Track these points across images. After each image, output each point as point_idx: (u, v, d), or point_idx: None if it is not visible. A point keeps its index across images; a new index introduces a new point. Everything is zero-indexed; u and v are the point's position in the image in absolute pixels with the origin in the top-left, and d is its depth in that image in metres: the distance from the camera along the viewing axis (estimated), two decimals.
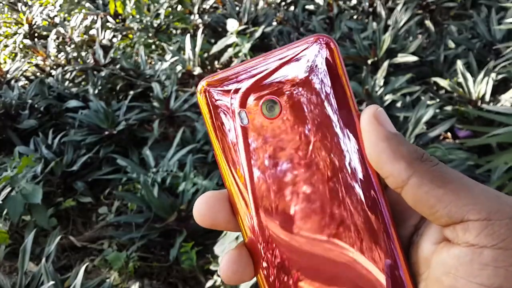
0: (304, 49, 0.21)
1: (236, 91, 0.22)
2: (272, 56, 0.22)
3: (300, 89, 0.21)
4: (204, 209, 0.23)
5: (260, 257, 0.22)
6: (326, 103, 0.21)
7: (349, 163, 0.21)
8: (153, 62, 2.70)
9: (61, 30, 3.11)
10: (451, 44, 2.21)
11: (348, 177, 0.21)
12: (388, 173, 0.20)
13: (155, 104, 2.03)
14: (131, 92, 2.21)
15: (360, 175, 0.21)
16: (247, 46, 2.22)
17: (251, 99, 0.22)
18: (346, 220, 0.21)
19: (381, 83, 1.91)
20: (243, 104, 0.22)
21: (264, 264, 0.22)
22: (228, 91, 0.22)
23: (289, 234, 0.22)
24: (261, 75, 0.22)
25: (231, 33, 2.32)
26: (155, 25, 2.87)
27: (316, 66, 0.21)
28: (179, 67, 2.41)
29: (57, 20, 3.47)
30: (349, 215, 0.21)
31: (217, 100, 0.22)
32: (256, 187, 0.22)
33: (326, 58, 0.21)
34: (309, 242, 0.22)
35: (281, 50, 0.22)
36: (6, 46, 3.28)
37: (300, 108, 0.21)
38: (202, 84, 0.23)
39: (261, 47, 2.64)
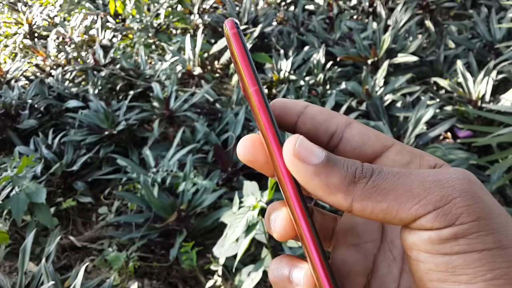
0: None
1: None
2: None
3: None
4: (247, 147, 0.24)
5: None
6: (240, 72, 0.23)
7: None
8: (153, 62, 2.70)
9: (61, 30, 3.11)
10: (451, 44, 2.21)
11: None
12: (331, 203, 0.21)
13: (155, 104, 2.03)
14: (131, 92, 2.21)
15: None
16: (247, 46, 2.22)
17: None
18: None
19: (381, 83, 1.91)
20: None
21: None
22: None
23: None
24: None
25: None
26: (155, 25, 2.87)
27: (229, 41, 0.24)
28: (179, 67, 2.41)
29: (57, 20, 3.48)
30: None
31: None
32: None
33: (229, 36, 0.24)
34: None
35: None
36: (6, 46, 3.28)
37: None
38: None
39: (261, 47, 2.64)
